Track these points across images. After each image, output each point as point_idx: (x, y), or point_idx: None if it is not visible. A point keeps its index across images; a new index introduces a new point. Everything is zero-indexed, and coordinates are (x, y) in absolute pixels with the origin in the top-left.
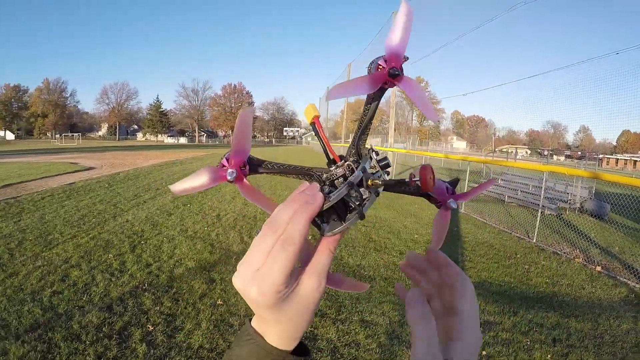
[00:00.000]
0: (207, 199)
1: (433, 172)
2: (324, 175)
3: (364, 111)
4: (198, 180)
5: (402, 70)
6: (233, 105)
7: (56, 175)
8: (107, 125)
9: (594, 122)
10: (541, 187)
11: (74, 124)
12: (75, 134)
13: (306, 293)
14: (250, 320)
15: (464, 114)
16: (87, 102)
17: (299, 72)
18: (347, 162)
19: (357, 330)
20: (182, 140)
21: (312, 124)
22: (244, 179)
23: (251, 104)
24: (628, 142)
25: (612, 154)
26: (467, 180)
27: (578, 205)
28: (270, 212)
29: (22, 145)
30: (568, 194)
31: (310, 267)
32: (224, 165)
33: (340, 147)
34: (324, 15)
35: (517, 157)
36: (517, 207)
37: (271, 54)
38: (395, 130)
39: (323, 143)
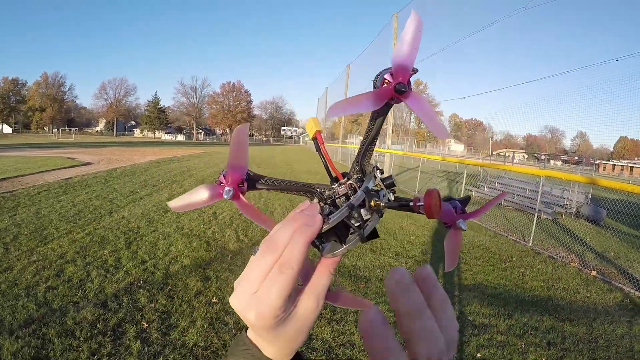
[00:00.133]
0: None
1: (439, 199)
2: (326, 193)
3: (369, 127)
4: (196, 197)
5: (410, 85)
6: (231, 103)
7: (53, 169)
8: (104, 120)
9: (592, 128)
10: (538, 192)
11: (72, 118)
12: (72, 129)
13: (304, 314)
14: (246, 330)
15: (462, 117)
16: (85, 97)
17: (298, 72)
18: (350, 181)
19: (352, 330)
20: (180, 137)
21: (314, 139)
22: (242, 197)
23: (249, 102)
24: (625, 149)
25: (608, 160)
26: (464, 183)
27: (574, 210)
28: (269, 229)
29: (19, 139)
30: (564, 198)
31: (309, 288)
32: (221, 182)
33: (338, 147)
34: (324, 15)
35: (514, 161)
36: (513, 210)
37: (270, 53)
38: (393, 131)
39: (325, 160)
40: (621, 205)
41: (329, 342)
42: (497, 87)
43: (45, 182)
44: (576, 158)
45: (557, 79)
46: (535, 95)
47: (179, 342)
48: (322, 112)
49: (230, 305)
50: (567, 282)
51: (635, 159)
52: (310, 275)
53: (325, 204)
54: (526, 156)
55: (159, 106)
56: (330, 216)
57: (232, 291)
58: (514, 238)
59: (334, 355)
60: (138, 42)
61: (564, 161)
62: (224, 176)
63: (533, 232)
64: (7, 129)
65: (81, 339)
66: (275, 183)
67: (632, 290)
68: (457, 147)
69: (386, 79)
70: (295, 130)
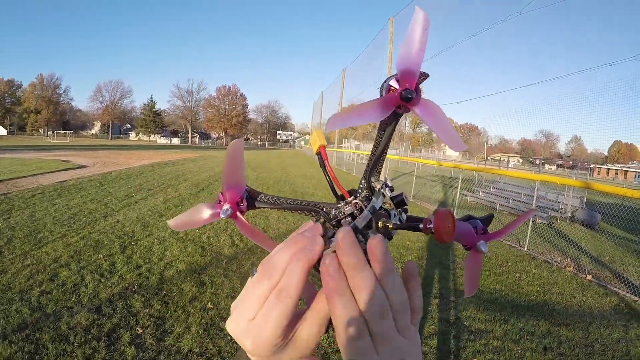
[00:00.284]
0: (198, 201)
1: (452, 221)
2: (332, 212)
3: (377, 140)
4: (195, 216)
5: (418, 91)
6: (227, 107)
7: (47, 172)
8: (100, 123)
9: (586, 132)
10: (533, 196)
11: (67, 121)
12: (67, 132)
13: (305, 340)
14: None
15: (457, 122)
16: (81, 99)
17: (293, 76)
18: (356, 201)
19: None
20: (175, 141)
21: (318, 153)
22: (241, 216)
23: (245, 106)
24: (619, 153)
25: (603, 164)
26: (459, 188)
27: (569, 214)
28: (269, 250)
29: (14, 141)
30: (559, 203)
31: (311, 313)
32: (220, 201)
33: (333, 151)
34: (320, 18)
35: (509, 165)
36: (508, 215)
37: (266, 57)
38: None
39: (329, 177)
40: (616, 209)
41: (324, 348)
42: (493, 91)
43: (39, 185)
44: (571, 162)
45: (553, 83)
46: (531, 99)
47: (173, 348)
48: (317, 116)
49: (225, 311)
50: (563, 287)
51: (630, 162)
52: (314, 295)
53: (331, 224)
54: (521, 160)
55: (155, 109)
56: (332, 239)
57: (227, 296)
58: (509, 243)
59: None
60: (134, 45)
61: (559, 165)
62: (222, 195)
63: (528, 236)
64: (1, 131)
65: (75, 344)
66: (278, 201)
67: (628, 294)
68: (452, 152)
69: (392, 86)
70: (291, 135)
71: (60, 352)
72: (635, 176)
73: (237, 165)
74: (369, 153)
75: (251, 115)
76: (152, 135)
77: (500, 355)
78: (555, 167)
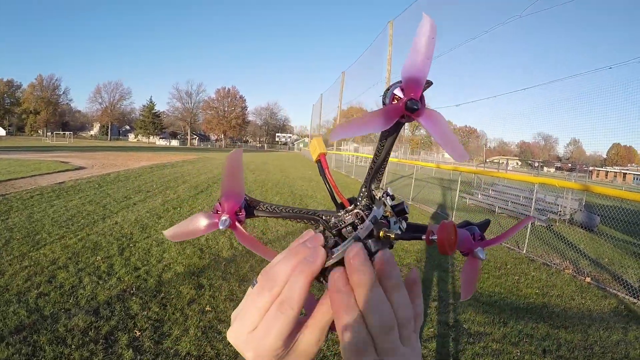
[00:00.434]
0: (197, 203)
1: (455, 234)
2: (332, 220)
3: (378, 149)
4: (192, 226)
5: (422, 101)
6: (226, 109)
7: (46, 173)
8: (99, 124)
9: (585, 135)
10: (532, 199)
11: (66, 122)
12: (66, 133)
13: (305, 349)
14: None
15: (456, 124)
16: (80, 100)
17: (293, 78)
18: (357, 210)
19: None
20: (174, 142)
21: (318, 161)
22: (240, 226)
23: (244, 108)
24: (618, 155)
25: (602, 167)
26: (457, 190)
27: (568, 216)
28: (269, 259)
29: (12, 141)
30: (558, 205)
31: (312, 321)
32: (217, 211)
33: (332, 154)
34: (319, 21)
35: (508, 168)
36: (507, 217)
37: (266, 59)
38: None
39: (329, 185)
40: (614, 212)
41: (323, 352)
42: (492, 94)
43: (38, 186)
44: (570, 165)
45: (552, 86)
46: (530, 102)
47: (171, 351)
48: (316, 118)
49: (223, 314)
50: (562, 289)
51: (629, 165)
52: (313, 305)
53: (331, 233)
54: (520, 163)
55: (154, 111)
56: (334, 249)
57: (225, 299)
58: (508, 245)
59: None
60: (134, 46)
61: (558, 168)
62: (220, 204)
63: (527, 239)
64: (0, 132)
65: (73, 346)
66: (277, 210)
67: (627, 297)
68: None
69: (396, 95)
70: (290, 137)
71: (57, 355)
72: (634, 179)
73: (236, 175)
74: (368, 155)
75: (250, 118)
76: (151, 137)
77: (499, 358)
78: (554, 169)
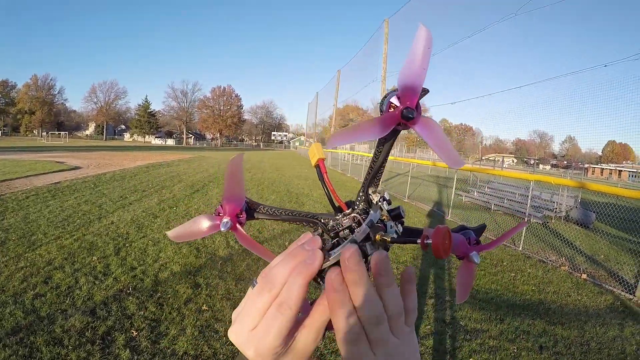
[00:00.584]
0: (193, 202)
1: (450, 238)
2: (330, 224)
3: (375, 155)
4: (194, 227)
5: (418, 109)
6: (222, 107)
7: (41, 174)
8: (94, 124)
9: (580, 133)
10: (527, 196)
11: (61, 122)
12: (62, 133)
13: (302, 348)
14: None
15: (452, 122)
16: (75, 100)
17: (288, 77)
18: (354, 214)
19: None
20: (170, 141)
21: (317, 166)
22: (240, 228)
23: (240, 107)
24: (613, 152)
25: (597, 164)
26: (454, 188)
27: (564, 213)
28: (269, 260)
29: (7, 142)
30: (554, 202)
31: (309, 321)
32: (219, 213)
33: (328, 152)
34: (315, 19)
35: (504, 165)
36: (503, 215)
37: (261, 58)
38: None
39: (327, 189)
40: (610, 209)
41: (320, 350)
42: (487, 92)
43: (33, 187)
44: (565, 162)
45: (547, 84)
46: (525, 100)
47: (168, 351)
48: (312, 117)
49: (220, 313)
50: (558, 286)
51: (624, 162)
52: (307, 307)
53: (329, 235)
54: (515, 160)
55: (149, 110)
56: (331, 252)
57: (222, 298)
58: (504, 242)
59: None
60: (129, 46)
61: (553, 165)
62: (222, 207)
63: (523, 236)
64: None
65: (69, 347)
66: (276, 212)
67: (623, 293)
68: None
69: (392, 103)
70: (286, 135)
71: (54, 356)
72: (629, 176)
73: (237, 179)
74: (364, 154)
75: (246, 116)
76: (147, 136)
77: (496, 354)
78: (549, 167)
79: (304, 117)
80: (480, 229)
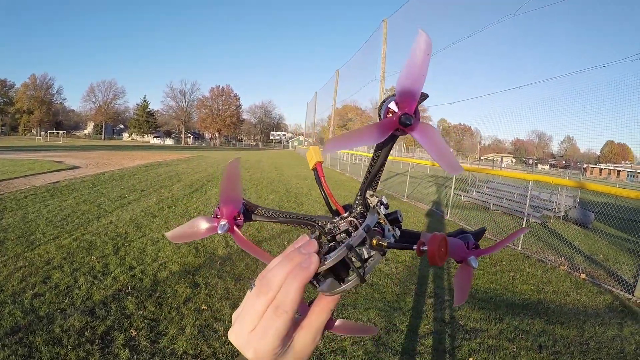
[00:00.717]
0: (192, 202)
1: (446, 245)
2: (327, 226)
3: (373, 159)
4: (192, 228)
5: (416, 115)
6: (220, 107)
7: (40, 173)
8: (93, 123)
9: (579, 133)
10: (526, 196)
11: (60, 121)
12: (60, 132)
13: (301, 349)
14: None
15: (451, 122)
16: (74, 99)
17: (287, 76)
18: (351, 218)
19: (343, 337)
20: (169, 141)
21: (314, 169)
22: (238, 230)
23: (239, 106)
24: (612, 152)
25: (596, 164)
26: (452, 188)
27: (562, 213)
28: (266, 262)
29: (6, 141)
30: (553, 202)
31: (307, 322)
32: (217, 215)
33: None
34: (314, 19)
35: (503, 165)
36: (502, 214)
37: (260, 58)
38: None
39: (325, 193)
40: (609, 208)
41: (319, 349)
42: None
43: (32, 186)
44: (564, 162)
45: (546, 84)
46: (524, 100)
47: (168, 350)
48: (311, 116)
49: (219, 313)
50: (557, 285)
51: (623, 162)
52: (305, 308)
53: (326, 238)
54: (514, 160)
55: (148, 109)
56: (327, 256)
57: (221, 297)
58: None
59: None
60: (128, 45)
61: (552, 165)
62: (220, 209)
63: (522, 236)
64: None
65: (69, 347)
66: (274, 215)
67: (622, 292)
68: None
69: (391, 109)
70: (285, 135)
71: (53, 356)
72: (628, 175)
73: (235, 182)
74: (363, 153)
75: (245, 116)
76: (146, 136)
77: (495, 354)
78: (548, 166)
79: (302, 117)
80: (479, 233)
